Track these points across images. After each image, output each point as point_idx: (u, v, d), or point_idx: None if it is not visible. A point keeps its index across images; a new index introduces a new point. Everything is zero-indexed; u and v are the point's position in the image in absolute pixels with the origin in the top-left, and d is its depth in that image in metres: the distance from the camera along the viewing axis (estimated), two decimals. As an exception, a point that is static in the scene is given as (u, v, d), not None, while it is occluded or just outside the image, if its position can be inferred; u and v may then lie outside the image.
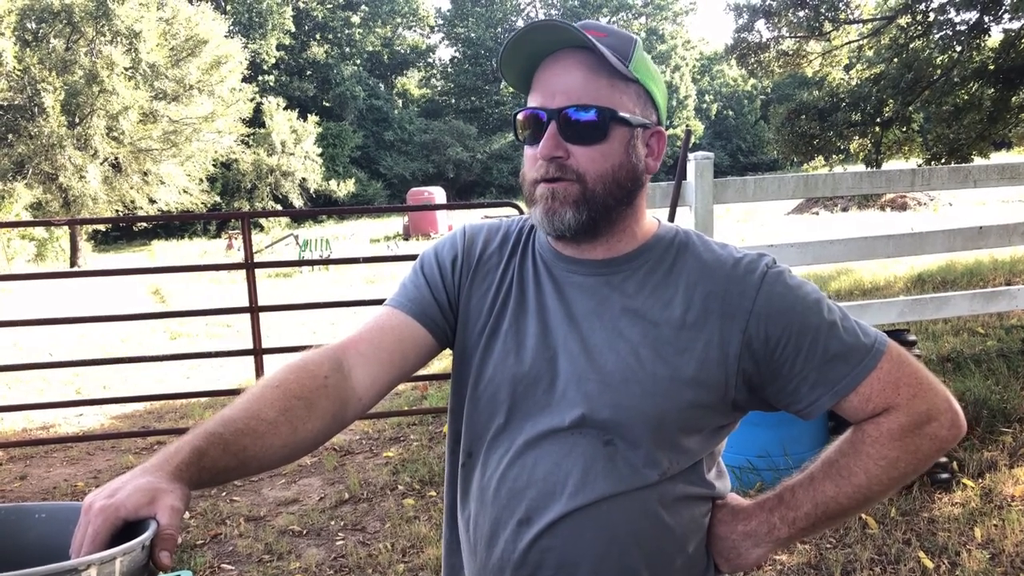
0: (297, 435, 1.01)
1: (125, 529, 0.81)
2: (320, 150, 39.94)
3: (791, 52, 12.72)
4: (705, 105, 57.96)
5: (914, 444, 1.05)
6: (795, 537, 1.13)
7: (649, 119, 1.11)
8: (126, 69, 25.74)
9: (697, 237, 1.16)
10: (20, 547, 0.89)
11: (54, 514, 0.92)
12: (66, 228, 22.91)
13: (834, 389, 1.05)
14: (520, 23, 56.23)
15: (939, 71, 11.61)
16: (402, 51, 56.55)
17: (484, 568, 1.12)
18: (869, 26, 13.03)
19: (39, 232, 21.86)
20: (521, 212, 5.10)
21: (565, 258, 1.15)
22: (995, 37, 11.59)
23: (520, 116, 1.10)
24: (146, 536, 0.79)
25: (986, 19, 11.03)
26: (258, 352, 5.03)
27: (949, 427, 1.06)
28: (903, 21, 12.10)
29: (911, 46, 11.97)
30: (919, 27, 11.88)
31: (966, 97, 11.42)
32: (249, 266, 4.97)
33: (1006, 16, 10.99)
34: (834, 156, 12.94)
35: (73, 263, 23.33)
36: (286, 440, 1.00)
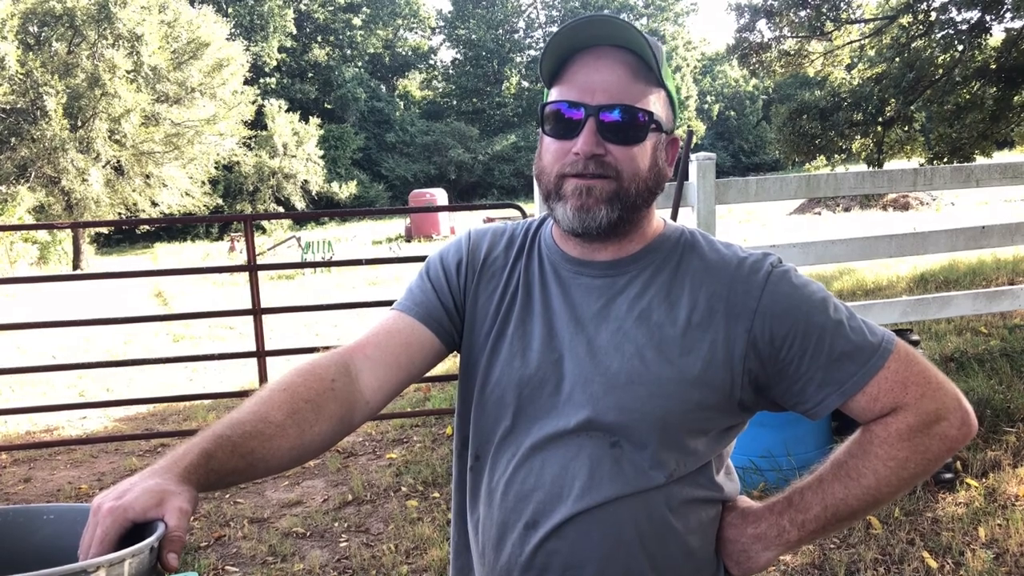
0: (304, 438, 1.01)
1: (133, 530, 0.82)
2: (322, 152, 39.95)
3: (793, 52, 12.70)
4: (707, 106, 57.92)
5: (923, 444, 1.04)
6: (805, 540, 1.12)
7: (670, 126, 1.12)
8: (128, 72, 25.77)
9: (703, 237, 1.16)
10: (29, 548, 0.90)
11: (62, 516, 0.92)
12: (69, 231, 22.96)
13: (841, 389, 1.05)
14: (521, 24, 56.26)
15: (941, 70, 11.61)
16: (403, 53, 56.57)
17: (492, 571, 1.12)
18: (871, 25, 13.02)
19: (42, 235, 21.90)
20: (523, 213, 5.09)
21: (572, 259, 1.15)
22: (997, 36, 11.59)
23: (552, 108, 1.07)
24: (154, 538, 0.79)
25: (988, 18, 11.02)
26: (261, 354, 5.03)
27: (959, 427, 1.05)
28: (905, 20, 12.09)
29: (913, 45, 11.96)
30: (921, 26, 11.87)
31: (968, 96, 11.40)
32: (251, 268, 4.98)
33: (1007, 15, 10.98)
34: (836, 156, 12.91)
35: (76, 266, 23.37)
36: (294, 443, 1.00)
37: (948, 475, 3.53)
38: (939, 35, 11.79)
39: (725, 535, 1.14)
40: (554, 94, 1.09)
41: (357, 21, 51.11)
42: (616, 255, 1.13)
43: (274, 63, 45.09)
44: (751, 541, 1.13)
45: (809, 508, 1.10)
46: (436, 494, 4.01)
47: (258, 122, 36.24)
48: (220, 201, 34.32)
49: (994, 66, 10.97)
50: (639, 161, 1.06)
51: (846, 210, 21.03)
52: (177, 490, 0.85)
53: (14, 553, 0.89)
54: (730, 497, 1.16)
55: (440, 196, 27.42)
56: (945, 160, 11.10)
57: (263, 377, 5.04)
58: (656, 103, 1.08)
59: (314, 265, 5.79)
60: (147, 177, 27.09)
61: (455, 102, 54.75)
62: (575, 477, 1.06)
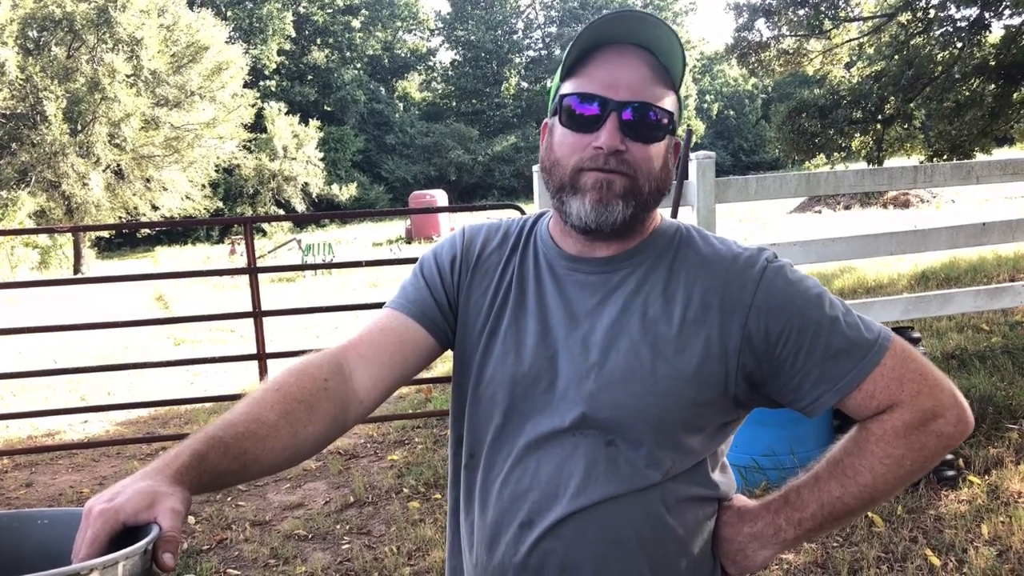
0: (298, 438, 1.01)
1: (126, 534, 0.81)
2: (322, 154, 39.99)
3: (792, 51, 12.71)
4: (706, 105, 57.93)
5: (920, 441, 1.03)
6: (802, 538, 1.11)
7: (677, 129, 1.12)
8: (128, 76, 25.77)
9: (697, 232, 1.15)
10: (22, 553, 0.89)
11: (56, 520, 0.92)
12: (69, 235, 22.99)
13: (837, 386, 1.03)
14: (520, 25, 56.28)
15: (940, 68, 11.60)
16: (402, 55, 56.61)
17: (484, 571, 1.11)
18: (869, 23, 13.01)
19: (43, 240, 21.93)
20: (523, 213, 5.08)
21: (568, 256, 1.14)
22: (996, 33, 11.58)
23: (572, 100, 1.06)
24: (148, 540, 0.79)
25: (986, 15, 11.03)
26: (262, 357, 5.03)
27: (955, 424, 1.04)
28: (903, 18, 12.09)
29: (912, 43, 11.96)
30: (920, 24, 11.87)
31: (967, 93, 11.40)
32: (252, 271, 4.98)
33: (1006, 12, 10.98)
34: (836, 154, 12.91)
35: (76, 270, 23.37)
36: (287, 443, 0.99)
37: (951, 472, 3.52)
38: (938, 32, 11.79)
39: (722, 534, 1.13)
40: (569, 86, 1.08)
41: (356, 23, 51.14)
42: (612, 251, 1.12)
43: (273, 66, 45.14)
44: (748, 540, 1.12)
45: (805, 506, 1.09)
46: (438, 495, 4.00)
47: (258, 125, 36.25)
48: (220, 204, 34.34)
49: (993, 63, 10.97)
50: (654, 160, 1.07)
51: (846, 208, 21.01)
52: (169, 491, 0.84)
53: (8, 558, 0.89)
54: (726, 495, 1.15)
55: (440, 197, 27.45)
56: (945, 157, 11.10)
57: (264, 380, 5.03)
58: (671, 105, 1.08)
59: (315, 267, 5.80)
60: (147, 181, 27.08)
61: (454, 103, 54.76)
62: (570, 476, 1.05)
